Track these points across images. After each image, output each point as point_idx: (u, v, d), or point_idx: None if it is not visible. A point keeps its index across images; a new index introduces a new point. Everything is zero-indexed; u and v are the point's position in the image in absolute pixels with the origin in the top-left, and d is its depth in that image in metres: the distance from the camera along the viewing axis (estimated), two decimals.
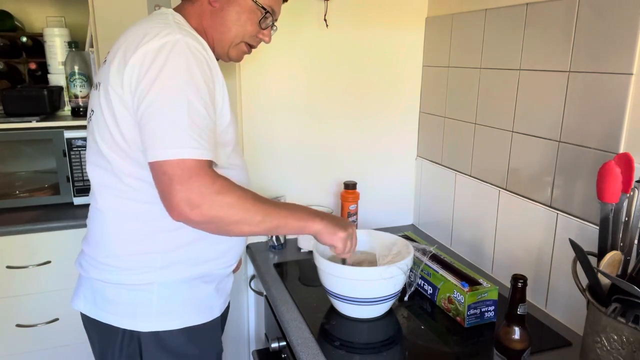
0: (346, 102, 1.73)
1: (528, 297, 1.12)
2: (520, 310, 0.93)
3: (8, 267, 1.64)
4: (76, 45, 1.93)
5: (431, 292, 1.30)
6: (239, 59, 1.13)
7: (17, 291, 1.67)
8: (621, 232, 0.94)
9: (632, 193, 0.93)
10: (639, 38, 0.99)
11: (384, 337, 1.17)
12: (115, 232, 1.02)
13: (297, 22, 1.59)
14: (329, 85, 1.69)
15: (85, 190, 1.81)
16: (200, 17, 1.04)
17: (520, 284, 0.93)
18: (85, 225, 1.10)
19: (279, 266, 1.53)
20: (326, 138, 1.74)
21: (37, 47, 2.26)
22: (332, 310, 1.26)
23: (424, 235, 1.81)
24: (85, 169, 1.78)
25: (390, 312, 1.25)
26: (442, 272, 1.26)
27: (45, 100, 1.85)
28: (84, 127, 1.76)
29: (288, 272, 1.50)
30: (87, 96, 1.92)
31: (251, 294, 1.74)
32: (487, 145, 1.47)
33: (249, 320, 1.79)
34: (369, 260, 1.30)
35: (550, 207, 1.25)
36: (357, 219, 1.71)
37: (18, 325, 1.68)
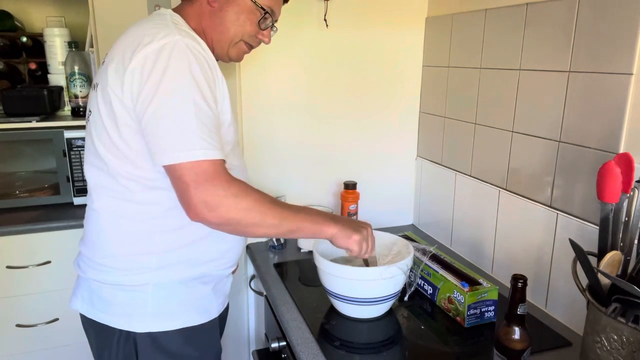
0: (346, 102, 1.73)
1: (528, 297, 1.12)
2: (520, 310, 0.93)
3: (8, 267, 1.64)
4: (76, 45, 1.93)
5: (431, 292, 1.30)
6: (239, 59, 1.13)
7: (17, 291, 1.67)
8: (621, 232, 0.94)
9: (632, 193, 0.93)
10: (639, 38, 0.99)
11: (384, 337, 1.17)
12: (111, 233, 1.02)
13: (297, 22, 1.59)
14: (329, 85, 1.69)
15: (85, 190, 1.80)
16: (200, 18, 1.04)
17: (520, 284, 0.93)
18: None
19: (279, 266, 1.53)
20: (326, 138, 1.74)
21: (37, 47, 2.26)
22: (332, 310, 1.26)
23: (424, 235, 1.81)
24: (84, 169, 1.78)
25: (390, 312, 1.25)
26: (442, 272, 1.26)
27: (45, 100, 1.85)
28: (84, 127, 1.75)
29: (288, 272, 1.50)
30: (87, 96, 1.91)
31: (251, 294, 1.74)
32: (487, 145, 1.47)
33: (249, 320, 1.79)
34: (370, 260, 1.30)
35: (550, 207, 1.25)
36: (357, 219, 1.71)
37: (18, 325, 1.68)
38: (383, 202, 1.86)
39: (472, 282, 1.20)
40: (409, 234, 1.56)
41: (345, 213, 1.69)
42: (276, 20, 1.12)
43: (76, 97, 1.91)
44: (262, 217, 0.93)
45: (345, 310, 1.22)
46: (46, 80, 2.08)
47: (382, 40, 1.71)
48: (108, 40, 1.70)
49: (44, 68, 2.10)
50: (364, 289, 1.16)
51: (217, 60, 1.07)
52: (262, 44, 1.13)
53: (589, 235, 1.12)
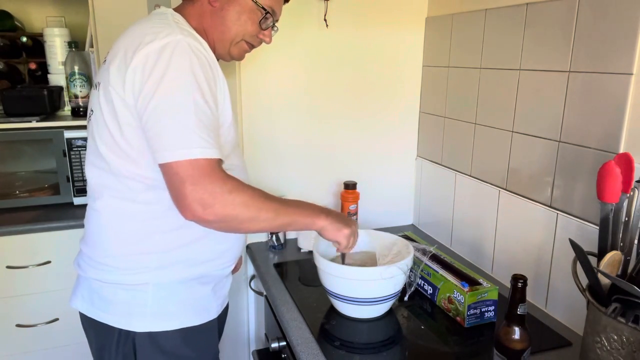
0: (346, 102, 1.73)
1: (528, 297, 1.12)
2: (520, 310, 0.93)
3: (8, 267, 1.64)
4: (76, 45, 1.93)
5: (431, 292, 1.30)
6: (240, 58, 1.13)
7: (17, 291, 1.67)
8: (621, 232, 0.94)
9: (632, 193, 0.93)
10: (639, 38, 0.99)
11: (384, 337, 1.17)
12: (112, 232, 1.02)
13: (297, 22, 1.59)
14: (329, 85, 1.69)
15: (85, 190, 1.80)
16: (201, 17, 1.04)
17: (520, 284, 0.92)
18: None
19: (279, 266, 1.53)
20: (326, 138, 1.74)
21: (37, 47, 2.26)
22: (332, 310, 1.26)
23: (424, 235, 1.81)
24: (85, 168, 1.78)
25: (390, 312, 1.25)
26: (442, 272, 1.26)
27: (45, 100, 1.85)
28: (84, 127, 1.76)
29: (288, 272, 1.50)
30: (87, 96, 1.92)
31: (251, 294, 1.74)
32: (487, 145, 1.47)
33: (249, 320, 1.79)
34: (369, 260, 1.30)
35: (550, 207, 1.25)
36: (357, 219, 1.72)
37: (18, 325, 1.68)
38: (383, 202, 1.86)
39: (472, 282, 1.20)
40: (409, 234, 1.56)
41: (345, 213, 1.69)
42: (277, 20, 1.12)
43: (76, 97, 1.91)
44: (257, 212, 0.93)
45: (345, 310, 1.22)
46: (46, 80, 2.08)
47: (382, 40, 1.71)
48: (108, 40, 1.70)
49: (44, 68, 2.10)
50: (364, 289, 1.16)
51: (218, 59, 1.08)
52: (263, 43, 1.13)
53: (589, 235, 1.12)
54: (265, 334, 1.56)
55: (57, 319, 1.71)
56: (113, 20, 1.73)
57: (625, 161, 0.93)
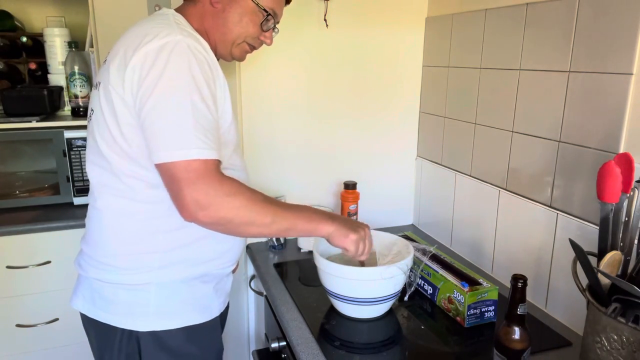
0: (346, 102, 1.73)
1: (528, 297, 1.12)
2: (520, 310, 0.93)
3: (8, 267, 1.64)
4: (76, 45, 1.93)
5: (431, 292, 1.30)
6: (242, 58, 1.13)
7: (17, 291, 1.67)
8: (621, 232, 0.94)
9: (632, 193, 0.93)
10: (639, 38, 0.99)
11: (384, 337, 1.17)
12: (113, 232, 1.02)
13: (297, 22, 1.59)
14: (329, 85, 1.69)
15: (85, 190, 1.81)
16: (202, 18, 1.04)
17: (520, 284, 0.93)
18: (85, 225, 1.10)
19: (279, 266, 1.53)
20: (326, 138, 1.74)
21: (37, 47, 2.26)
22: (332, 310, 1.26)
23: (424, 235, 1.81)
24: (85, 168, 1.78)
25: (390, 312, 1.25)
26: (442, 272, 1.26)
27: (45, 100, 1.85)
28: (84, 127, 1.76)
29: (288, 272, 1.50)
30: (87, 96, 1.91)
31: (251, 294, 1.74)
32: (487, 145, 1.47)
33: (249, 320, 1.79)
34: (369, 260, 1.30)
35: (550, 207, 1.25)
36: (357, 219, 1.71)
37: (18, 325, 1.68)
38: (383, 202, 1.86)
39: (472, 282, 1.20)
40: (409, 234, 1.56)
41: (345, 213, 1.69)
42: (278, 22, 1.12)
43: (76, 97, 1.91)
44: (254, 216, 0.92)
45: (345, 310, 1.22)
46: (46, 80, 2.08)
47: (382, 40, 1.71)
48: (108, 40, 1.70)
49: (44, 68, 2.10)
50: (364, 289, 1.16)
51: (219, 59, 1.08)
52: (264, 44, 1.13)
53: (589, 235, 1.12)
54: (265, 334, 1.56)
55: (57, 319, 1.71)
56: (113, 20, 1.72)
57: (625, 161, 0.93)
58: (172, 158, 0.87)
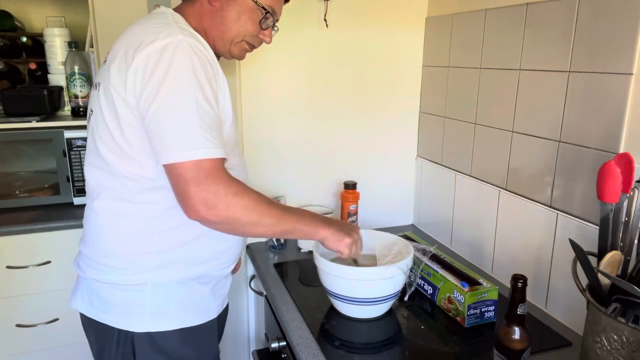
0: (346, 102, 1.73)
1: (528, 297, 1.12)
2: (520, 310, 0.93)
3: (8, 267, 1.64)
4: (76, 45, 1.93)
5: (431, 292, 1.30)
6: (241, 57, 1.13)
7: (17, 291, 1.67)
8: (621, 232, 0.94)
9: (632, 193, 0.93)
10: (639, 38, 0.99)
11: (384, 337, 1.17)
12: (110, 233, 1.02)
13: (297, 22, 1.58)
14: (329, 85, 1.69)
15: (85, 190, 1.81)
16: (200, 17, 1.04)
17: (520, 284, 0.92)
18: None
19: (279, 266, 1.53)
20: (326, 138, 1.74)
21: (37, 47, 2.26)
22: (332, 310, 1.26)
23: (424, 235, 1.81)
24: (84, 169, 1.78)
25: (390, 312, 1.25)
26: (442, 272, 1.26)
27: (45, 100, 1.85)
28: (84, 127, 1.76)
29: (288, 272, 1.50)
30: (87, 96, 1.91)
31: (251, 294, 1.74)
32: (487, 145, 1.47)
33: (249, 320, 1.79)
34: (369, 260, 1.30)
35: (550, 207, 1.25)
36: (357, 219, 1.71)
37: (18, 325, 1.68)
38: (383, 202, 1.86)
39: (472, 282, 1.20)
40: (409, 234, 1.56)
41: (345, 213, 1.69)
42: (277, 20, 1.12)
43: (76, 97, 1.91)
44: (259, 217, 0.94)
45: (345, 310, 1.22)
46: (46, 80, 2.08)
47: (382, 40, 1.71)
48: (108, 40, 1.70)
49: (44, 68, 2.10)
50: (364, 289, 1.16)
51: (219, 57, 1.08)
52: (263, 43, 1.13)
53: (589, 235, 1.12)
54: (265, 334, 1.56)
55: (57, 319, 1.71)
56: (113, 20, 1.73)
57: (625, 161, 0.93)
58: (180, 158, 0.87)
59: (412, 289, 1.33)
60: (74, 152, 1.78)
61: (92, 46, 1.83)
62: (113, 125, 0.95)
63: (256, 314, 1.75)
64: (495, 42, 1.40)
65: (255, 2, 1.04)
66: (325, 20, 1.62)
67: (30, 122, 1.76)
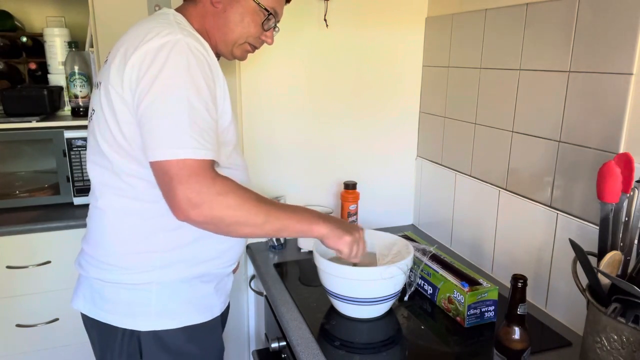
0: (346, 102, 1.73)
1: (528, 297, 1.12)
2: (520, 310, 0.93)
3: (8, 267, 1.64)
4: (76, 45, 1.93)
5: (431, 292, 1.30)
6: (243, 58, 1.13)
7: (17, 291, 1.67)
8: (621, 232, 0.94)
9: (632, 193, 0.93)
10: (639, 38, 0.99)
11: (384, 337, 1.17)
12: (115, 231, 1.02)
13: (297, 22, 1.59)
14: (329, 85, 1.69)
15: (85, 190, 1.81)
16: (203, 19, 1.04)
17: (520, 284, 0.93)
18: (85, 225, 1.10)
19: (279, 266, 1.53)
20: (326, 138, 1.74)
21: (37, 47, 2.26)
22: (332, 310, 1.26)
23: (424, 235, 1.81)
24: (85, 168, 1.78)
25: (390, 312, 1.25)
26: (442, 272, 1.26)
27: (45, 100, 1.85)
28: (84, 127, 1.76)
29: (288, 272, 1.50)
30: (87, 96, 1.91)
31: (251, 294, 1.74)
32: (487, 145, 1.47)
33: (249, 320, 1.79)
34: (369, 260, 1.30)
35: (550, 207, 1.25)
36: (357, 219, 1.72)
37: (18, 325, 1.68)
38: (383, 202, 1.86)
39: (472, 282, 1.20)
40: (409, 234, 1.56)
41: (345, 213, 1.69)
42: (279, 21, 1.12)
43: (76, 97, 1.91)
44: (246, 216, 0.91)
45: (345, 310, 1.22)
46: (46, 80, 2.08)
47: (382, 40, 1.71)
48: (108, 40, 1.70)
49: (44, 68, 2.10)
50: (364, 289, 1.16)
51: (220, 57, 1.08)
52: (264, 44, 1.13)
53: (589, 235, 1.12)
54: (265, 334, 1.56)
55: (57, 319, 1.71)
56: (113, 20, 1.72)
57: (625, 161, 0.93)
58: (165, 156, 0.86)
59: (412, 289, 1.34)
60: (74, 152, 1.78)
61: (92, 46, 1.83)
62: (113, 123, 0.95)
63: (256, 314, 1.75)
64: (495, 42, 1.40)
65: (258, 4, 1.04)
66: (325, 20, 1.62)
67: (30, 122, 1.76)
